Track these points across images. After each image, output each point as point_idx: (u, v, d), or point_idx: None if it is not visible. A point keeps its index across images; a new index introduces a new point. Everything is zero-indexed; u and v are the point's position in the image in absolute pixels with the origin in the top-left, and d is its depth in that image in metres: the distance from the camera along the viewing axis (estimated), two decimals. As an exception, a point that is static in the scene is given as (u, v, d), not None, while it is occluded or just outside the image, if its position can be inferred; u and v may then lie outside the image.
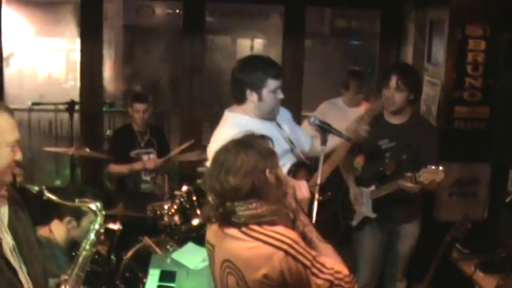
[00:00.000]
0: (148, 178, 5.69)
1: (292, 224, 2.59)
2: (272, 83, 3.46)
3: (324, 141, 3.43)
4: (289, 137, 3.66)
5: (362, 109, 5.24)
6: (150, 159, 5.61)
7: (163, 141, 5.92)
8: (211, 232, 2.55)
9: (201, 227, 4.85)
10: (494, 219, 4.79)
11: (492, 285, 4.01)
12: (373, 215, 4.36)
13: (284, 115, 3.79)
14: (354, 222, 4.45)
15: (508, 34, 4.34)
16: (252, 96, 3.49)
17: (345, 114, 5.48)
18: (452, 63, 5.25)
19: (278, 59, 6.54)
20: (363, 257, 4.58)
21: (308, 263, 2.32)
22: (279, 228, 2.37)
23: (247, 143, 2.47)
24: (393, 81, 4.18)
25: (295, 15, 6.18)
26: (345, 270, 2.41)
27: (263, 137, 2.57)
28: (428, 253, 4.30)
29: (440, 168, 3.87)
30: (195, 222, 4.87)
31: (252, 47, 10.14)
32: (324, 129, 3.52)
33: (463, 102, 5.30)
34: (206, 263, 3.91)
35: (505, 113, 4.30)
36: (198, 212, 4.85)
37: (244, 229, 2.38)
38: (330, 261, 2.40)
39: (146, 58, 9.20)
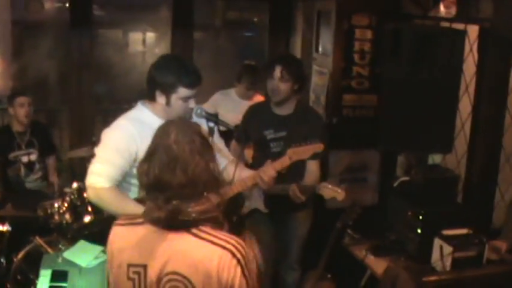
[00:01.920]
0: (35, 176, 5.51)
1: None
2: (183, 91, 3.30)
3: (211, 133, 3.40)
4: None
5: (254, 101, 5.27)
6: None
7: (46, 140, 5.71)
8: (137, 252, 2.28)
9: (93, 224, 4.77)
10: (384, 204, 4.91)
11: (383, 268, 4.12)
12: (265, 210, 4.39)
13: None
14: (245, 211, 4.46)
15: (393, 23, 4.45)
16: (161, 98, 3.36)
17: (237, 106, 5.52)
18: (339, 53, 5.37)
19: (168, 51, 6.48)
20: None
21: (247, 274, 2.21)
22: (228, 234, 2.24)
23: (196, 133, 2.30)
24: (277, 71, 4.21)
25: (183, 8, 6.12)
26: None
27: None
28: (321, 240, 4.36)
29: (342, 186, 3.99)
30: (87, 219, 4.76)
31: (144, 41, 9.99)
32: (210, 121, 3.50)
33: (351, 90, 5.43)
34: (98, 260, 3.85)
35: (391, 100, 4.41)
36: (90, 209, 4.75)
37: (194, 231, 2.20)
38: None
39: (35, 54, 8.87)
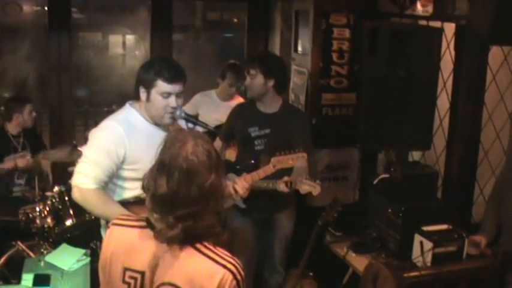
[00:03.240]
0: (21, 181, 5.48)
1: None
2: (161, 85, 3.30)
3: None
4: None
5: (234, 103, 5.28)
6: (21, 158, 5.38)
7: (37, 142, 5.73)
8: (136, 257, 2.25)
9: (75, 227, 4.76)
10: (364, 201, 4.95)
11: (364, 265, 4.14)
12: (242, 206, 4.40)
13: None
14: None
15: (371, 22, 4.48)
16: (143, 95, 3.37)
17: (217, 107, 5.54)
18: (318, 52, 5.38)
19: (147, 54, 6.48)
20: (237, 250, 4.60)
21: None
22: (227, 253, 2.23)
23: (211, 145, 2.24)
24: (250, 68, 4.34)
25: (162, 10, 6.11)
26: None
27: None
28: (303, 239, 4.38)
29: (318, 182, 4.06)
30: (68, 222, 4.78)
31: (124, 43, 9.98)
32: (189, 122, 3.51)
33: (330, 89, 5.45)
34: (81, 263, 3.85)
35: (370, 98, 4.43)
36: (71, 212, 4.75)
37: (198, 245, 2.20)
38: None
39: (14, 57, 8.86)
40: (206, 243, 2.22)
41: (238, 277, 2.19)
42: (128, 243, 2.30)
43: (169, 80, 3.32)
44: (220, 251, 2.22)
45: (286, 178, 4.08)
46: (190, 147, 2.16)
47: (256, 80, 4.31)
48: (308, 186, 4.06)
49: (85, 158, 3.36)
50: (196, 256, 2.19)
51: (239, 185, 3.92)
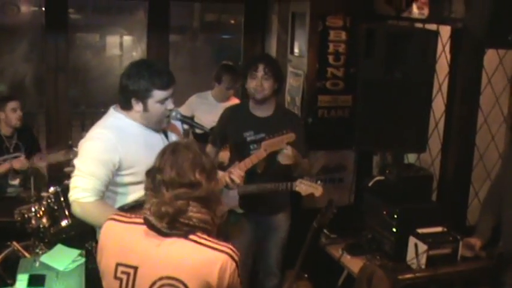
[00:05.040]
0: (15, 182, 5.47)
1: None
2: (158, 94, 3.27)
3: (186, 136, 3.40)
4: None
5: (230, 104, 5.28)
6: (17, 159, 5.37)
7: (32, 143, 5.71)
8: (129, 252, 2.29)
9: (70, 228, 4.75)
10: (360, 203, 4.95)
11: (359, 266, 4.15)
12: (240, 211, 4.40)
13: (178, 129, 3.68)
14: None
15: (367, 24, 4.49)
16: (137, 106, 3.31)
17: (213, 108, 5.53)
18: (314, 54, 5.40)
19: (144, 55, 6.48)
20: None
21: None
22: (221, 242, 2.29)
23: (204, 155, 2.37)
24: (260, 69, 4.27)
25: (159, 11, 6.11)
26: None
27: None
28: (299, 241, 4.38)
29: (319, 182, 4.12)
30: (64, 223, 4.74)
31: (121, 44, 9.98)
32: (185, 123, 3.51)
33: (326, 91, 5.46)
34: (76, 264, 3.84)
35: (366, 100, 4.43)
36: (67, 212, 4.73)
37: (192, 237, 2.24)
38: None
39: (11, 57, 8.85)
40: (199, 234, 2.26)
41: (236, 259, 2.26)
42: (122, 239, 2.33)
43: (165, 87, 3.29)
44: (214, 239, 2.27)
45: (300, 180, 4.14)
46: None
47: (268, 82, 4.28)
48: (309, 188, 4.08)
49: (79, 172, 3.26)
50: (192, 247, 2.23)
51: (235, 174, 3.91)
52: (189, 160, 2.27)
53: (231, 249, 2.25)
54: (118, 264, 2.28)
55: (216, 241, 2.26)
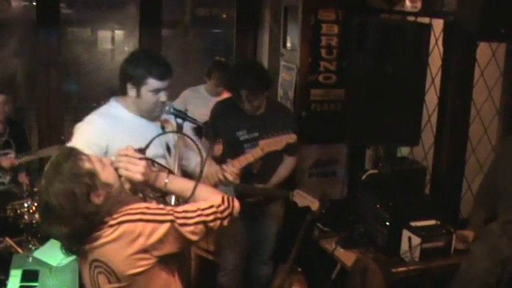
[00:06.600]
0: (4, 180, 5.43)
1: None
2: (153, 83, 3.31)
3: (180, 129, 3.39)
4: (168, 143, 3.54)
5: (223, 98, 5.27)
6: (6, 158, 5.34)
7: (22, 139, 5.64)
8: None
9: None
10: (353, 197, 4.96)
11: (352, 260, 4.15)
12: None
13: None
14: None
15: (359, 17, 4.48)
16: (131, 91, 3.36)
17: (207, 102, 5.53)
18: (306, 48, 5.38)
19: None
20: (226, 241, 4.61)
21: (168, 218, 2.26)
22: (124, 208, 2.31)
23: (56, 171, 2.36)
24: (244, 96, 4.28)
25: (151, 5, 6.08)
26: (215, 201, 2.37)
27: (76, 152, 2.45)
28: (292, 234, 4.38)
29: (316, 197, 4.08)
30: (57, 218, 4.72)
31: (113, 39, 9.95)
32: (178, 117, 3.49)
33: (318, 85, 5.45)
34: (69, 259, 3.83)
35: (359, 94, 4.43)
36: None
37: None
38: (194, 203, 2.37)
39: (2, 53, 8.81)
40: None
41: (146, 217, 2.26)
42: None
43: (161, 77, 3.32)
44: (117, 214, 2.30)
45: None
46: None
47: (257, 100, 4.32)
48: (306, 201, 4.07)
49: None
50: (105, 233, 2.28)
51: (228, 172, 3.87)
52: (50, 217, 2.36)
53: (131, 213, 2.28)
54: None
55: (119, 216, 2.30)
